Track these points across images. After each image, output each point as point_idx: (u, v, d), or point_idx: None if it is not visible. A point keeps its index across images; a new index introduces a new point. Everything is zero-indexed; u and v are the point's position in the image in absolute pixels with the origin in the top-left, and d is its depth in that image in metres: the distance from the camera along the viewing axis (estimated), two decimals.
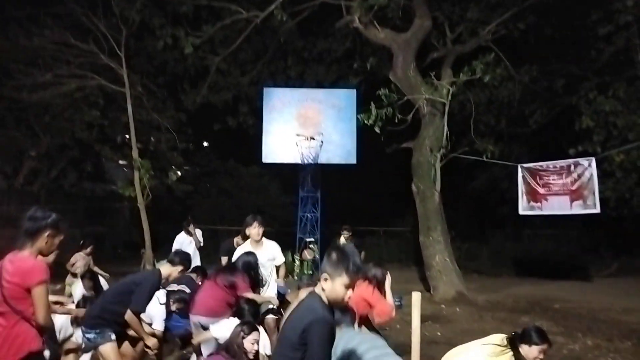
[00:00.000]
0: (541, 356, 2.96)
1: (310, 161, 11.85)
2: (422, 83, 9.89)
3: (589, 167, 8.04)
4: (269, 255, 5.12)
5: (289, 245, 11.99)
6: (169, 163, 13.80)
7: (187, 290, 5.01)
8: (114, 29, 11.69)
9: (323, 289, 2.02)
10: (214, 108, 14.37)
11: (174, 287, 4.99)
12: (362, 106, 10.45)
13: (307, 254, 10.99)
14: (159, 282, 3.93)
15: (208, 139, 18.98)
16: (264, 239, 5.12)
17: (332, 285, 1.98)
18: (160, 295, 4.46)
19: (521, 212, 8.65)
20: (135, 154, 11.45)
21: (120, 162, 15.70)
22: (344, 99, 12.45)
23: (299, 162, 12.00)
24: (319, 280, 2.09)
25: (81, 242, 7.18)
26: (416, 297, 3.90)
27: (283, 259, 5.34)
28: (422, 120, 10.12)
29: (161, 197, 13.25)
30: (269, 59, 14.11)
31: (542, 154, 9.81)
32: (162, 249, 11.90)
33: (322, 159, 11.97)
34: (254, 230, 5.02)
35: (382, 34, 10.45)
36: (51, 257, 3.25)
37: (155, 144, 14.18)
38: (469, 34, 11.02)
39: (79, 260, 6.98)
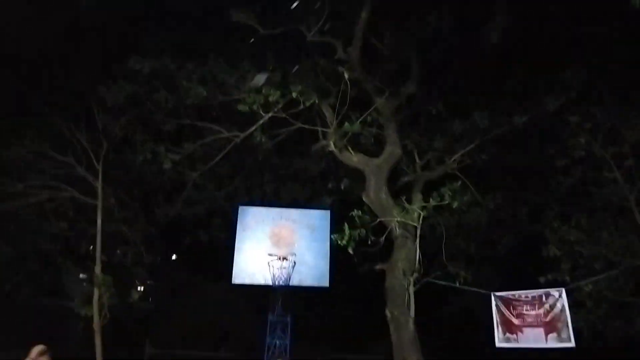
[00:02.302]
0: None
1: (281, 283, 11.53)
2: (393, 206, 10.12)
3: (560, 298, 8.08)
4: None
5: None
6: (133, 278, 13.18)
7: None
8: (94, 141, 11.89)
9: None
10: (186, 220, 14.19)
11: None
12: (335, 225, 10.55)
13: None
14: None
15: (177, 252, 18.47)
16: None
17: None
18: None
19: (498, 344, 8.42)
20: (98, 269, 10.95)
21: (81, 275, 14.94)
22: (318, 219, 12.61)
23: (270, 283, 11.66)
24: None
25: None
26: None
27: None
28: (395, 242, 10.18)
29: (119, 317, 12.38)
30: (245, 175, 14.38)
31: (513, 280, 9.85)
32: None
33: (294, 281, 11.68)
34: None
35: (355, 157, 10.92)
36: None
37: (120, 256, 13.64)
38: (436, 162, 11.61)
39: None
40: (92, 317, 10.40)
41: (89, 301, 10.83)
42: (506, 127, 10.39)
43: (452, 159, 10.98)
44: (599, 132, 9.83)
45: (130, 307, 12.97)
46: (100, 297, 10.43)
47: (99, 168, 11.54)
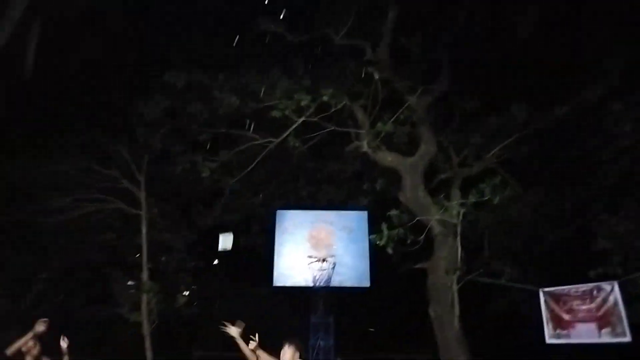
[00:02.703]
0: None
1: (322, 284, 11.60)
2: (432, 204, 10.00)
3: (612, 291, 7.78)
4: None
5: None
6: (177, 284, 13.56)
7: None
8: (135, 154, 12.33)
9: None
10: (225, 226, 14.49)
11: None
12: (373, 226, 10.51)
13: None
14: None
15: (218, 257, 18.80)
16: None
17: None
18: None
19: (548, 340, 8.18)
20: (145, 276, 11.32)
21: (129, 283, 15.50)
22: (356, 220, 12.61)
23: (311, 285, 11.75)
24: None
25: None
26: None
27: None
28: (435, 240, 10.05)
29: (167, 322, 12.77)
30: (281, 180, 14.55)
31: (562, 275, 9.51)
32: None
33: (335, 282, 11.73)
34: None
35: (389, 157, 10.88)
36: None
37: (165, 263, 14.06)
38: (474, 158, 11.38)
39: None
40: (141, 322, 10.75)
41: (137, 307, 11.21)
42: (546, 118, 10.08)
43: (491, 154, 10.74)
44: None
45: (176, 312, 13.33)
46: (148, 303, 10.77)
47: (142, 179, 11.94)
